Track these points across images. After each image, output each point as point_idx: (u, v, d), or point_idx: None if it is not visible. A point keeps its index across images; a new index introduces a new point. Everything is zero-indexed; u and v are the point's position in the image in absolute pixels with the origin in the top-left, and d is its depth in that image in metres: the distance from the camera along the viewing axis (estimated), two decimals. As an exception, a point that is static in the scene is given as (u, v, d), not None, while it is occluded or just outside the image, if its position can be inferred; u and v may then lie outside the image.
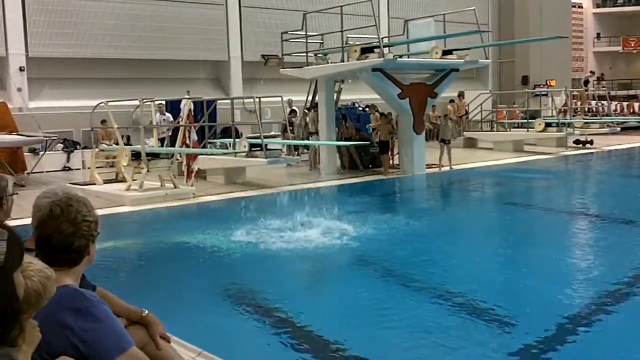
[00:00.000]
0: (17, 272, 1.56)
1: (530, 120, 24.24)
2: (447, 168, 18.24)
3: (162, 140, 17.36)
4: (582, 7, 45.01)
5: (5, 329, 1.42)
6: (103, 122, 18.25)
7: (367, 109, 21.93)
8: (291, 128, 18.63)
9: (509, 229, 10.95)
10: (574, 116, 25.80)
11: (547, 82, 33.04)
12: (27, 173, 17.32)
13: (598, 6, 46.88)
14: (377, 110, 20.07)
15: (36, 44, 20.54)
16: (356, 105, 22.75)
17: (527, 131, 24.19)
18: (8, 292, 1.42)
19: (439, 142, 18.63)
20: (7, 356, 1.45)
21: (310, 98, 19.89)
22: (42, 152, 18.33)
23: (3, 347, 1.45)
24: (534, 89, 30.99)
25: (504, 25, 34.57)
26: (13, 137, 16.97)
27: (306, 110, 19.92)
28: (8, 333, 1.42)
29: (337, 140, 18.17)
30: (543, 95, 29.40)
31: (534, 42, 27.96)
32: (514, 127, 26.23)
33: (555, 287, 6.95)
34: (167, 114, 19.52)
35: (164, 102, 19.35)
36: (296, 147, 19.91)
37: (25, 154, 18.11)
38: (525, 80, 33.88)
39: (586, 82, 33.92)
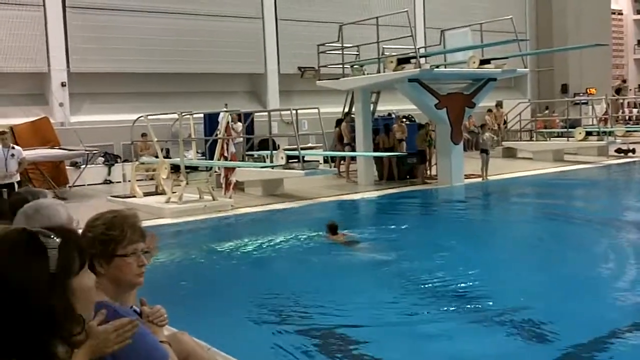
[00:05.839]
0: (80, 275, 1.55)
1: (570, 129, 23.87)
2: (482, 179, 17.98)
3: (9, 186, 11.85)
4: (622, 14, 44.22)
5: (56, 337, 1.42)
6: (143, 135, 18.50)
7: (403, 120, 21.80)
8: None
9: (559, 241, 10.69)
10: (615, 124, 25.33)
11: (587, 90, 32.53)
12: (69, 186, 17.60)
13: (639, 12, 46.03)
14: (404, 121, 19.84)
15: (77, 59, 20.89)
16: (392, 115, 22.66)
17: (567, 140, 23.83)
18: (61, 301, 1.41)
19: (479, 153, 18.39)
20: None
21: (347, 110, 19.88)
22: (83, 166, 18.62)
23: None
24: (574, 97, 30.53)
25: (542, 33, 34.16)
26: (55, 151, 17.30)
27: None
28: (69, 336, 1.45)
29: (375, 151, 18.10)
30: (583, 103, 28.95)
31: (573, 50, 27.56)
32: (554, 137, 25.83)
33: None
34: (17, 148, 12.85)
35: (9, 131, 13.68)
36: (332, 159, 19.89)
37: (67, 167, 18.43)
38: (564, 89, 33.40)
39: (618, 91, 33.28)
